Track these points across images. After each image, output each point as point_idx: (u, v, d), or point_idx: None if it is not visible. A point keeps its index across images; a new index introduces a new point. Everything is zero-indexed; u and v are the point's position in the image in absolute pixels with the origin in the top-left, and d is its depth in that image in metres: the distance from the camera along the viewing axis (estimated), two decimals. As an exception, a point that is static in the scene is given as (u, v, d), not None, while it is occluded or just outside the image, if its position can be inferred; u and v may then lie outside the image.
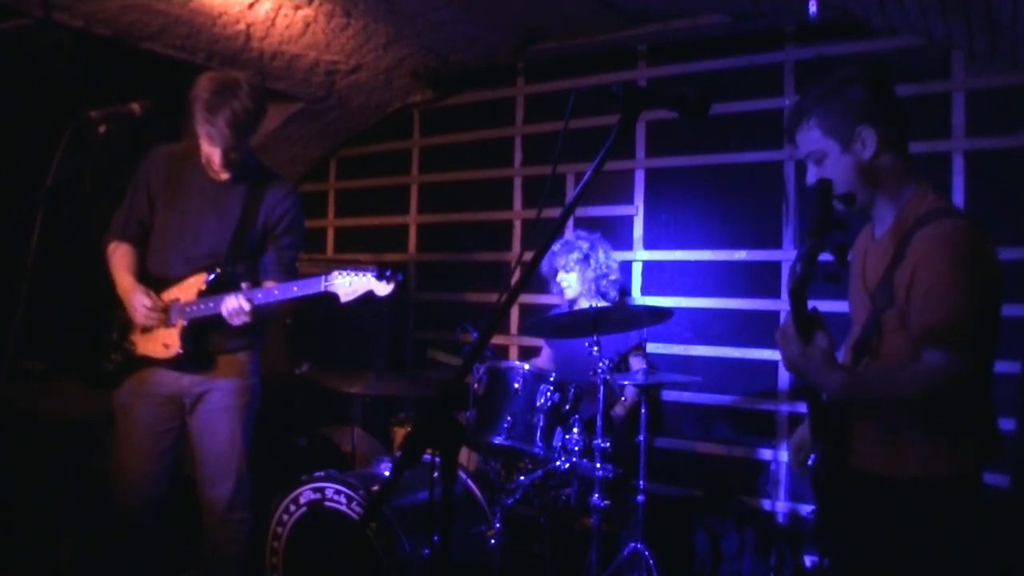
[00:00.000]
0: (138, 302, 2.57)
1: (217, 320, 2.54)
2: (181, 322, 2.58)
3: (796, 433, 2.02)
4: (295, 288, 2.48)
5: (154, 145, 2.75)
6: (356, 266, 2.45)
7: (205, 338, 2.62)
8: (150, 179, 2.70)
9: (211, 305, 2.53)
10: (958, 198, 3.27)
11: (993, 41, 3.03)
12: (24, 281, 2.14)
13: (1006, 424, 3.06)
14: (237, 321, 2.48)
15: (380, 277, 2.41)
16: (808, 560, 3.40)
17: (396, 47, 4.03)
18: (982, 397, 1.74)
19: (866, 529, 1.72)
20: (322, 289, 2.43)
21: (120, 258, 2.68)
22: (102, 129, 2.40)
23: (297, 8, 3.50)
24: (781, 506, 3.58)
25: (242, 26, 3.56)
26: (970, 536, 1.69)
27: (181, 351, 2.58)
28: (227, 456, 2.65)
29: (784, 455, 3.58)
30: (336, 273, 2.44)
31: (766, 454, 3.65)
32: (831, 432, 1.77)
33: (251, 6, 3.43)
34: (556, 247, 3.56)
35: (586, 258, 3.54)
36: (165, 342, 2.60)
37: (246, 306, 2.46)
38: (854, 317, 1.89)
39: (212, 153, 2.54)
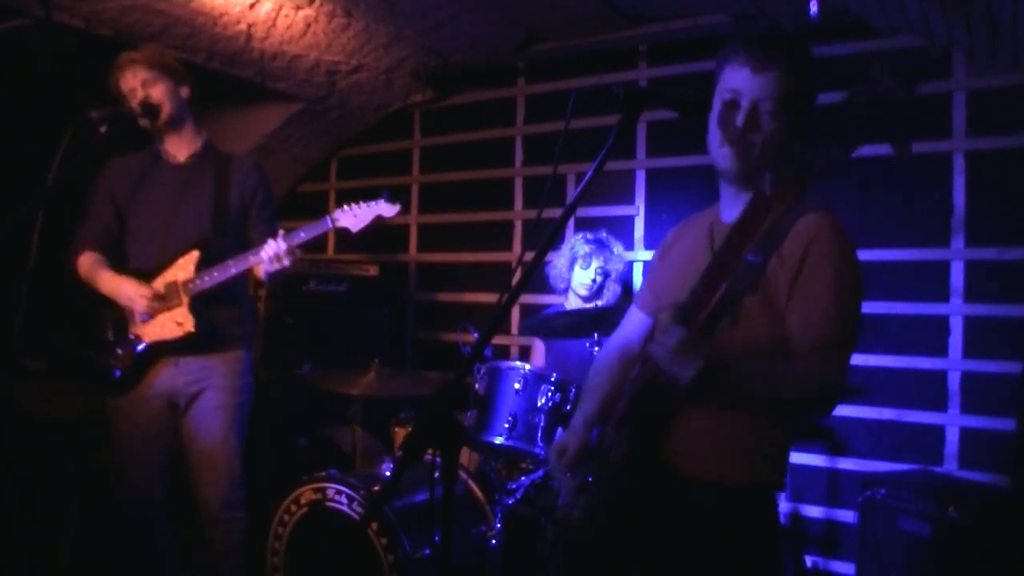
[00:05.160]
0: (135, 292, 2.57)
1: (218, 295, 2.61)
2: (186, 298, 2.59)
3: (560, 438, 1.83)
4: (302, 234, 2.53)
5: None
6: (362, 201, 2.55)
7: (212, 313, 2.64)
8: (114, 190, 2.73)
9: (216, 275, 2.57)
10: (958, 198, 3.27)
11: (994, 41, 3.02)
12: (25, 280, 2.15)
13: (1006, 424, 3.07)
14: (278, 266, 2.49)
15: (390, 200, 2.53)
16: (809, 560, 3.40)
17: (397, 47, 4.03)
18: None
19: (671, 533, 1.59)
20: (330, 227, 2.54)
21: (94, 263, 2.69)
22: (103, 129, 2.42)
23: (298, 8, 3.50)
24: (782, 506, 3.58)
25: (243, 26, 3.56)
26: (775, 547, 1.64)
27: (195, 328, 2.59)
28: (220, 456, 2.65)
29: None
30: (338, 212, 2.54)
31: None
32: (646, 422, 1.59)
33: (252, 6, 3.43)
34: (582, 247, 3.54)
35: (610, 259, 3.54)
36: (177, 320, 2.60)
37: (283, 245, 2.48)
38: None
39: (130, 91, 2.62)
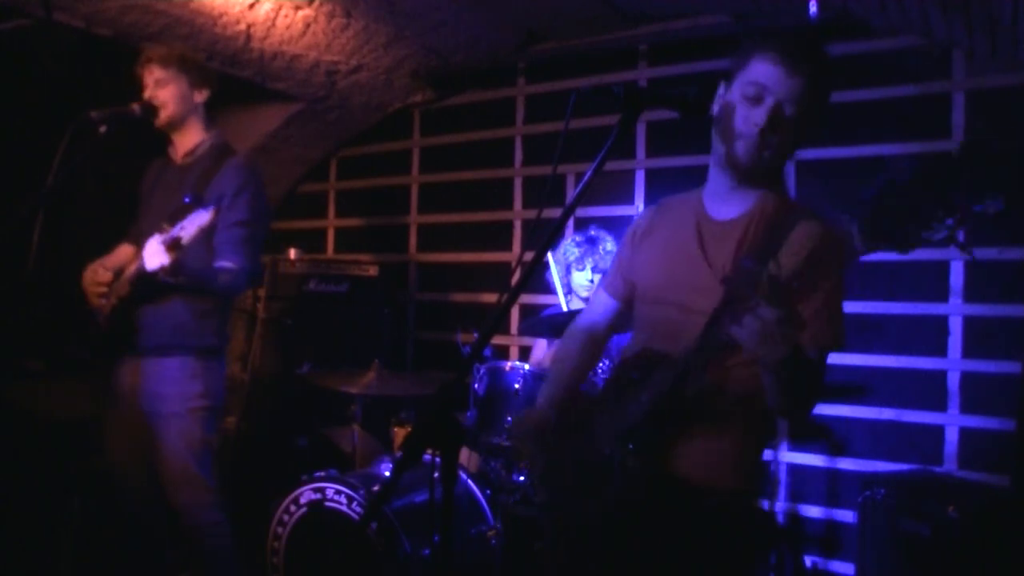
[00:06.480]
0: (86, 277, 2.57)
1: (150, 298, 2.51)
2: (113, 299, 2.55)
3: (524, 413, 1.88)
4: (179, 224, 2.26)
5: (154, 145, 2.79)
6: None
7: (132, 315, 2.55)
8: (142, 191, 2.80)
9: (124, 277, 2.49)
10: (958, 198, 3.27)
11: (994, 41, 3.02)
12: (25, 281, 2.15)
13: (1006, 424, 3.07)
14: (157, 262, 2.24)
15: (197, 207, 2.26)
16: (808, 560, 3.40)
17: (397, 47, 4.03)
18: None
19: (670, 542, 1.59)
20: (175, 235, 2.23)
21: (103, 260, 2.69)
22: (103, 129, 2.41)
23: (297, 8, 3.50)
24: (781, 506, 3.58)
25: (243, 26, 3.56)
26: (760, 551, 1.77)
27: (104, 328, 2.55)
28: (175, 464, 2.58)
29: (786, 455, 3.58)
30: (186, 220, 2.24)
31: (765, 454, 3.64)
32: (655, 431, 1.57)
33: (252, 6, 3.43)
34: (573, 251, 3.53)
35: (601, 257, 3.53)
36: (100, 319, 2.58)
37: (159, 241, 2.25)
38: (688, 301, 1.61)
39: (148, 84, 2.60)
